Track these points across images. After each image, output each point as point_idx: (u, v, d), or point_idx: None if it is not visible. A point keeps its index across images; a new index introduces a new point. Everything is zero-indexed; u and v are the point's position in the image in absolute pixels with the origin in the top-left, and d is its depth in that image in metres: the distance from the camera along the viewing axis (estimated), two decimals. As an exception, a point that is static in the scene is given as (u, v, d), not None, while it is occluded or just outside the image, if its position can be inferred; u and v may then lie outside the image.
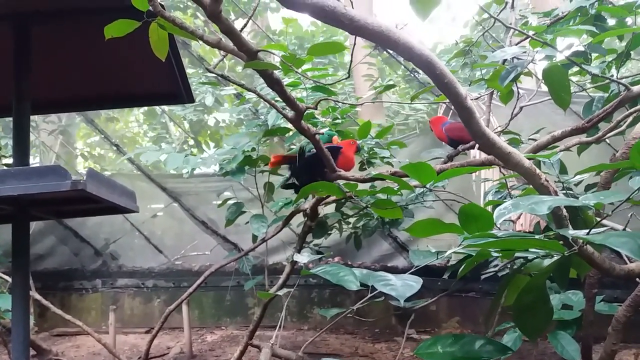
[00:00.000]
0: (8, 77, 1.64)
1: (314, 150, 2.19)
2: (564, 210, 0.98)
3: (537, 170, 1.02)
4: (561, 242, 0.94)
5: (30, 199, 1.47)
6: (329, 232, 3.33)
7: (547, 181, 1.00)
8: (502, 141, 1.03)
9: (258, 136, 2.84)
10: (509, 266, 2.24)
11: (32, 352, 3.20)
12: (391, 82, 4.12)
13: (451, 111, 4.39)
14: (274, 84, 1.52)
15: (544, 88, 3.05)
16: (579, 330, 2.14)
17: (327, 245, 3.64)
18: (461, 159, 2.32)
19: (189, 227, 4.49)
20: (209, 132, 7.27)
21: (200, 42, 1.43)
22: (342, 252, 4.14)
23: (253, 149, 2.89)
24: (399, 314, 3.93)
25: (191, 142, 7.05)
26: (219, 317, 4.23)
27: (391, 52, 3.59)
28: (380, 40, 0.96)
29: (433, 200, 2.92)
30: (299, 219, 3.11)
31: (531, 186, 1.11)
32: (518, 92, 2.27)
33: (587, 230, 0.84)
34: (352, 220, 3.50)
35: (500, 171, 2.06)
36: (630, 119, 1.94)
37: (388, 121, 6.41)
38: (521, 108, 2.38)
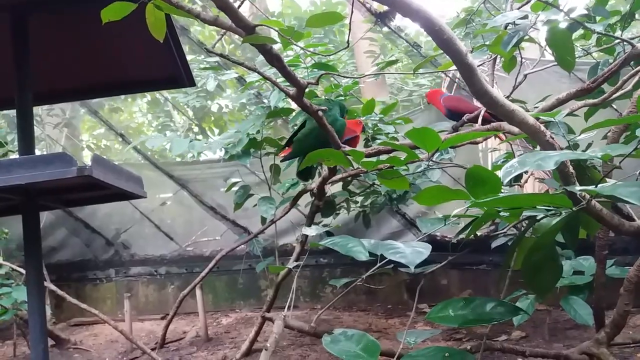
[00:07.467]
0: (9, 69, 1.64)
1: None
2: (571, 168, 0.97)
3: (542, 127, 1.01)
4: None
5: (38, 188, 1.48)
6: (337, 211, 3.34)
7: (552, 138, 1.00)
8: (505, 99, 1.02)
9: (262, 118, 2.83)
10: (518, 233, 2.24)
11: (51, 342, 3.25)
12: (393, 58, 4.09)
13: (455, 85, 4.35)
14: (274, 59, 1.51)
15: (548, 57, 3.01)
16: (591, 295, 2.15)
17: (337, 225, 3.66)
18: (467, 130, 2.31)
19: (198, 214, 4.51)
20: (212, 118, 7.27)
21: (198, 21, 1.42)
22: (351, 231, 4.14)
23: (257, 132, 2.89)
24: (410, 288, 3.95)
25: (195, 129, 7.05)
26: (232, 300, 4.28)
27: (392, 26, 3.54)
28: (377, -4, 0.95)
29: (440, 168, 2.91)
30: (307, 199, 3.11)
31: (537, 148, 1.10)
32: (521, 61, 2.24)
33: (595, 185, 0.83)
34: (359, 199, 3.51)
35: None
36: (637, 78, 1.91)
37: (392, 98, 6.38)
38: (525, 76, 2.35)
